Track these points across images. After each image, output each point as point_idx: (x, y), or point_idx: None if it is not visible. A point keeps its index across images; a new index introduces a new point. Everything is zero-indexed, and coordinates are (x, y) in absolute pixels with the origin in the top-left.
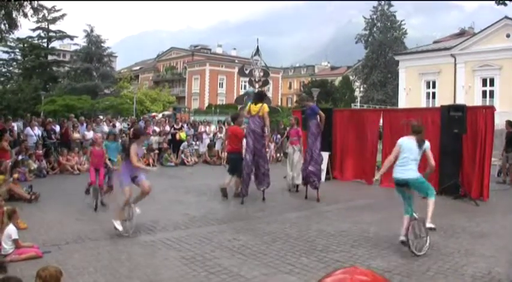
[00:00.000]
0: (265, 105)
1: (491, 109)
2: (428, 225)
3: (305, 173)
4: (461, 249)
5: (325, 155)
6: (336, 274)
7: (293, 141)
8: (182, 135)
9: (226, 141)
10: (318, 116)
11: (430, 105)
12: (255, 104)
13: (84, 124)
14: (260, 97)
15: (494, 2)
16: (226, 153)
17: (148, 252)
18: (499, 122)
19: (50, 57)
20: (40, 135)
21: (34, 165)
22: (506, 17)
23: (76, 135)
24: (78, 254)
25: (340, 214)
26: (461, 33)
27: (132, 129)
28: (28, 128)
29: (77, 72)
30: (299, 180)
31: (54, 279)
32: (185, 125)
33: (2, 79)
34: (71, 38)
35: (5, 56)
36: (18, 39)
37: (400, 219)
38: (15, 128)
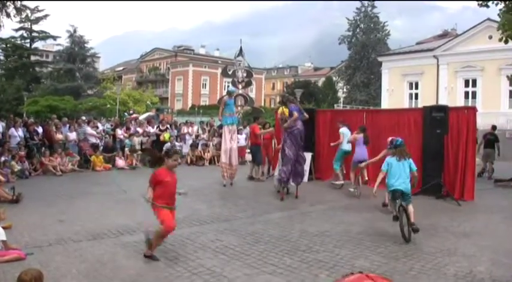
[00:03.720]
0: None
1: (473, 110)
2: None
3: (294, 171)
4: (443, 249)
5: (308, 156)
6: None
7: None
8: (166, 136)
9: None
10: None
11: (413, 106)
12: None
13: (67, 125)
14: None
15: (476, 3)
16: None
17: (131, 253)
18: (481, 123)
19: (32, 58)
20: (23, 136)
21: (17, 167)
22: (488, 19)
23: (59, 136)
24: (61, 256)
25: (323, 214)
26: (444, 35)
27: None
28: (12, 129)
29: (60, 72)
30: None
31: (39, 281)
32: (168, 126)
33: None
34: (54, 38)
35: None
36: (1, 40)
37: (382, 219)
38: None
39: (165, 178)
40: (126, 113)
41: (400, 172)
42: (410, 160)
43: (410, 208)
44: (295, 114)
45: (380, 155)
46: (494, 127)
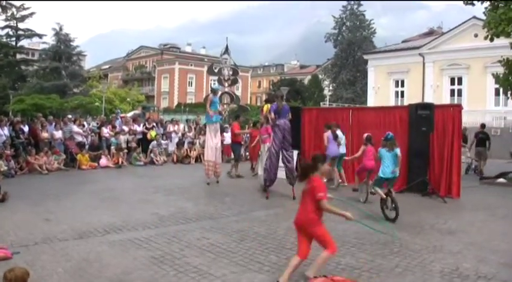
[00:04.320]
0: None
1: (458, 107)
2: None
3: (275, 173)
4: (429, 246)
5: (294, 153)
6: None
7: (264, 140)
8: (152, 134)
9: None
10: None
11: (399, 104)
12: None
13: (53, 123)
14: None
15: (462, 2)
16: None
17: (117, 252)
18: (467, 120)
19: (18, 56)
20: (9, 135)
21: (4, 167)
22: (474, 17)
23: (45, 134)
24: (47, 255)
25: None
26: (430, 33)
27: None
28: None
29: (46, 71)
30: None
31: (20, 280)
32: (154, 124)
33: None
34: (40, 36)
35: None
36: None
37: (367, 217)
38: None
39: None
40: (119, 110)
41: (390, 161)
42: (397, 149)
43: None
44: (271, 115)
45: (360, 152)
46: (483, 125)
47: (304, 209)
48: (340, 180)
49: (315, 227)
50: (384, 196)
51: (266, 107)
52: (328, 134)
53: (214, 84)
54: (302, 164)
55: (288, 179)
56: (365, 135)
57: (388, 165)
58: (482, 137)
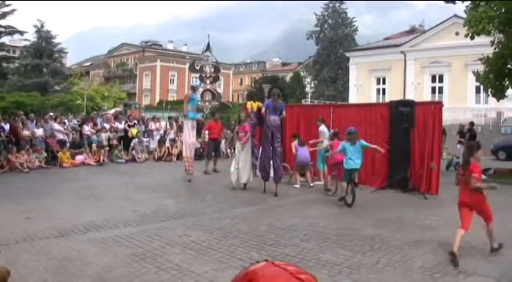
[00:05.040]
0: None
1: (439, 105)
2: None
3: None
4: (410, 242)
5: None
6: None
7: (241, 137)
8: (134, 131)
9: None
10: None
11: (381, 101)
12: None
13: (34, 121)
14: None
15: (443, 0)
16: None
17: (98, 249)
18: (448, 118)
19: None
20: None
21: None
22: (455, 15)
23: (25, 132)
24: (28, 254)
25: (290, 209)
26: (412, 31)
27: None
28: None
29: (27, 68)
30: (244, 179)
31: (1, 279)
32: (136, 122)
33: None
34: (21, 33)
35: None
36: None
37: (348, 214)
38: None
39: None
40: (106, 107)
41: (355, 153)
42: (361, 140)
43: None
44: (262, 110)
45: (337, 149)
46: (472, 123)
47: (469, 190)
48: (310, 179)
49: (483, 204)
50: (346, 194)
51: (250, 104)
52: (294, 143)
53: (196, 81)
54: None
55: (275, 177)
56: (332, 130)
57: (351, 157)
58: (473, 134)
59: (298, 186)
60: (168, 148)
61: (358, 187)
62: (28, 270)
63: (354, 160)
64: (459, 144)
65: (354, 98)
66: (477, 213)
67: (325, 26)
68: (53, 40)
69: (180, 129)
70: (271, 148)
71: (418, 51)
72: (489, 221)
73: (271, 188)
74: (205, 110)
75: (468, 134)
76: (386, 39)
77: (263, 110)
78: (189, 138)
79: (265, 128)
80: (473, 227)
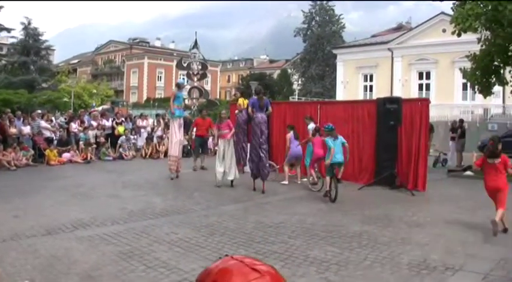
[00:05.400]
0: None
1: (426, 101)
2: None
3: (259, 164)
4: (397, 238)
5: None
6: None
7: (224, 135)
8: (121, 129)
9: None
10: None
11: (368, 98)
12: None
13: (21, 119)
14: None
15: None
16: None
17: (85, 247)
18: (435, 114)
19: None
20: None
21: None
22: (442, 13)
23: (12, 130)
24: (15, 252)
25: (277, 206)
26: (399, 28)
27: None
28: None
29: (14, 65)
30: (232, 176)
31: None
32: (123, 119)
33: None
34: (8, 30)
35: None
36: None
37: (335, 210)
38: None
39: None
40: (94, 104)
41: (337, 148)
42: (341, 137)
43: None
44: (249, 109)
45: (328, 146)
46: (462, 120)
47: (498, 177)
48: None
49: (505, 189)
50: (329, 189)
51: (241, 100)
52: (290, 135)
53: (183, 78)
54: (492, 147)
55: (262, 174)
56: (313, 126)
57: (336, 151)
58: (463, 130)
59: (286, 182)
60: (155, 145)
61: (340, 182)
62: (16, 268)
63: (336, 154)
64: (451, 141)
65: (341, 95)
66: (496, 197)
67: (313, 23)
68: (40, 37)
69: (167, 126)
70: (259, 145)
71: (405, 48)
72: (503, 205)
73: (259, 185)
74: (192, 107)
75: (459, 131)
76: (373, 36)
77: (249, 109)
78: (175, 137)
79: (254, 125)
80: (459, 222)
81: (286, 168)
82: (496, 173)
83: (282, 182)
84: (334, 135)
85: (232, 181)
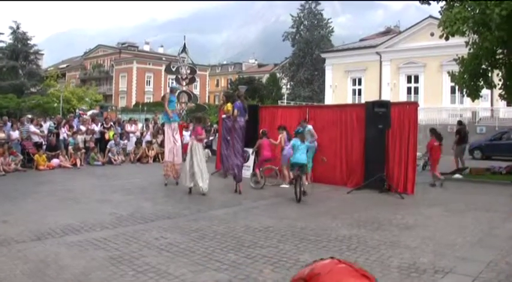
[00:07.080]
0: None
1: (414, 105)
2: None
3: (235, 167)
4: (387, 241)
5: (251, 152)
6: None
7: (201, 140)
8: (110, 134)
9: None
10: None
11: (357, 102)
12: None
13: (9, 123)
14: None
15: (419, 1)
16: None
17: (75, 253)
18: (423, 118)
19: None
20: None
21: None
22: (430, 16)
23: (1, 135)
24: (4, 257)
25: (266, 210)
26: (387, 32)
27: None
28: None
29: (3, 70)
30: (205, 187)
31: None
32: (112, 124)
33: None
34: None
35: None
36: None
37: (324, 214)
38: None
39: None
40: (83, 108)
41: (302, 150)
42: (307, 143)
43: (304, 178)
44: (235, 112)
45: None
46: (460, 122)
47: None
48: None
49: None
50: (292, 177)
51: (229, 105)
52: (283, 136)
53: (172, 83)
54: None
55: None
56: (261, 130)
57: (301, 153)
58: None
59: (287, 186)
60: (144, 150)
61: (306, 184)
62: (5, 273)
63: (300, 155)
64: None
65: (329, 99)
66: None
67: (301, 27)
68: (29, 42)
69: (157, 131)
70: (242, 148)
71: (393, 52)
72: None
73: (246, 190)
74: (181, 112)
75: (458, 136)
76: (362, 40)
77: (235, 112)
78: (170, 142)
79: (237, 128)
80: (448, 225)
81: (286, 172)
82: None
83: (282, 185)
84: (302, 138)
85: (204, 194)
